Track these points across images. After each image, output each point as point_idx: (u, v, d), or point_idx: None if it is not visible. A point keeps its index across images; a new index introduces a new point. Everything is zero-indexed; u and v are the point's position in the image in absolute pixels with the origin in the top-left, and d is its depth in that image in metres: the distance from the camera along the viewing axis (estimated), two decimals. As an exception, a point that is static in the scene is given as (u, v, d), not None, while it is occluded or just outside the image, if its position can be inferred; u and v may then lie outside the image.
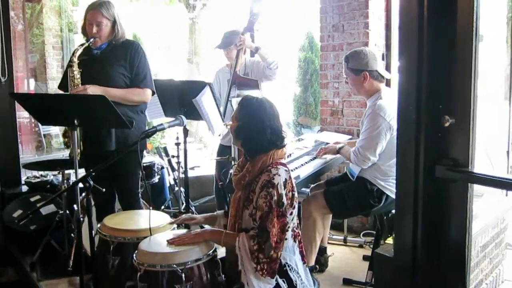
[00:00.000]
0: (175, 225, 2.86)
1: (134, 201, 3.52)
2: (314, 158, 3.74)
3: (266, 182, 2.35)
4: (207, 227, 2.90)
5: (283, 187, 2.35)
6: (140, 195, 3.63)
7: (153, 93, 3.50)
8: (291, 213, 2.40)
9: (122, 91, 3.34)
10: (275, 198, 2.32)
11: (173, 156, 4.60)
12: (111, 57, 3.38)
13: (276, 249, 2.31)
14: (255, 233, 2.32)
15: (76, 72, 3.27)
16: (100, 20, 3.32)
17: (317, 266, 3.69)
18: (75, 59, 3.28)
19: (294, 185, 2.45)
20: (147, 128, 3.67)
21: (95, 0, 3.39)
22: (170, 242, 2.45)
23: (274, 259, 2.31)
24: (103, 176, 3.39)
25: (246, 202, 2.44)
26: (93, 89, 3.20)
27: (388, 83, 3.66)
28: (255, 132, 2.44)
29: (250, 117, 2.47)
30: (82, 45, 3.33)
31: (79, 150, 3.28)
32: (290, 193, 2.39)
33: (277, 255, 2.32)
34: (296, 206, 2.45)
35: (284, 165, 2.46)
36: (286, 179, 2.39)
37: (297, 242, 2.51)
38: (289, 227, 2.39)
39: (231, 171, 3.52)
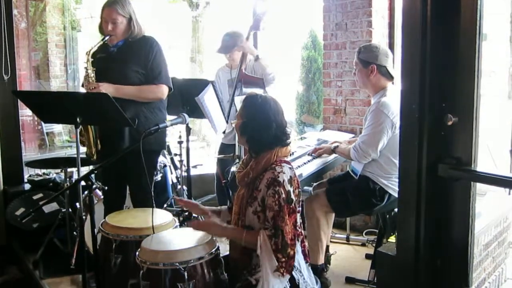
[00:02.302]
0: (177, 223, 2.86)
1: (146, 200, 3.51)
2: (317, 156, 3.74)
3: (272, 180, 2.35)
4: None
5: (289, 184, 2.35)
6: (152, 193, 3.61)
7: (170, 90, 3.45)
8: (298, 211, 2.41)
9: (136, 88, 3.32)
10: (283, 195, 2.32)
11: (175, 154, 4.60)
12: (126, 55, 3.37)
13: (292, 246, 2.32)
14: (271, 233, 2.32)
15: (90, 70, 3.27)
16: (115, 18, 3.30)
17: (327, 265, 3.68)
18: (89, 58, 3.28)
19: (299, 182, 2.46)
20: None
21: None
22: (193, 224, 2.55)
23: (292, 256, 2.32)
24: (115, 174, 3.40)
25: (249, 200, 2.44)
26: (106, 87, 3.20)
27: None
28: (260, 128, 2.44)
29: (255, 113, 2.47)
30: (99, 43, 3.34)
31: (95, 149, 3.29)
32: (296, 190, 2.40)
33: (293, 251, 2.33)
34: (301, 203, 2.46)
35: (288, 162, 2.46)
36: (291, 176, 2.39)
37: (299, 241, 2.51)
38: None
39: (233, 169, 3.52)
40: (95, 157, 3.31)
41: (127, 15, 3.35)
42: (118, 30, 3.34)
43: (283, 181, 2.34)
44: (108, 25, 3.32)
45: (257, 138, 2.47)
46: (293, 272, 2.40)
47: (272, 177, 2.36)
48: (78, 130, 3.26)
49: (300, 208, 2.46)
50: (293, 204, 2.35)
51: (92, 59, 3.30)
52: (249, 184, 2.48)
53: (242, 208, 2.48)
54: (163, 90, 3.40)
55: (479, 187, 1.92)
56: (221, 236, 2.51)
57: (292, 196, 2.35)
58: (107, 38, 3.32)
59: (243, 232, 2.44)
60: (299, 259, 2.47)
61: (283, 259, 2.29)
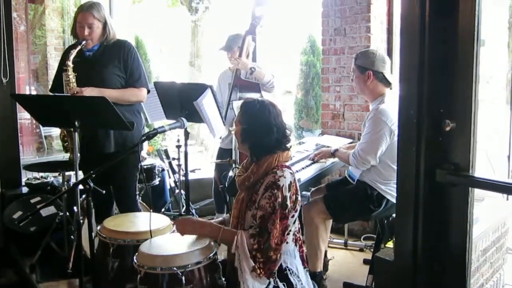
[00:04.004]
0: (174, 227, 2.85)
1: (131, 204, 3.52)
2: (316, 161, 3.74)
3: (271, 184, 2.35)
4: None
5: (287, 190, 2.35)
6: (138, 197, 3.62)
7: (148, 92, 3.51)
8: (293, 216, 2.40)
9: (119, 91, 3.34)
10: (279, 200, 2.32)
11: (173, 159, 4.60)
12: (104, 59, 3.39)
13: (276, 251, 2.31)
14: (255, 232, 2.32)
15: (72, 76, 3.27)
16: (92, 22, 3.32)
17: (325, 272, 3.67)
18: (70, 63, 3.27)
19: (298, 188, 2.45)
20: (145, 129, 3.67)
21: (85, 2, 3.40)
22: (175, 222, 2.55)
23: (273, 260, 2.31)
24: (101, 178, 3.39)
25: (249, 203, 2.44)
26: (89, 91, 3.21)
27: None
28: (262, 133, 2.44)
29: (256, 119, 2.46)
30: (72, 47, 3.33)
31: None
32: (294, 196, 2.40)
33: (276, 256, 2.32)
34: (299, 209, 2.45)
35: (289, 167, 2.46)
36: (291, 182, 2.39)
37: (297, 246, 2.51)
38: (290, 230, 2.39)
39: (231, 173, 3.52)
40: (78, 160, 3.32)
41: (102, 20, 3.38)
42: (94, 34, 3.36)
43: (283, 185, 2.34)
44: (84, 29, 3.32)
45: (259, 143, 2.46)
46: (290, 277, 2.40)
47: (272, 181, 2.36)
48: (62, 135, 3.33)
49: (298, 213, 2.46)
50: (286, 211, 2.34)
51: (71, 66, 3.30)
52: (249, 188, 2.48)
53: (242, 212, 2.48)
54: (144, 94, 3.47)
55: (477, 192, 1.91)
56: (200, 233, 2.49)
57: (288, 202, 2.35)
58: (84, 42, 3.33)
59: (220, 229, 2.45)
60: (297, 264, 2.47)
61: (261, 259, 2.29)
